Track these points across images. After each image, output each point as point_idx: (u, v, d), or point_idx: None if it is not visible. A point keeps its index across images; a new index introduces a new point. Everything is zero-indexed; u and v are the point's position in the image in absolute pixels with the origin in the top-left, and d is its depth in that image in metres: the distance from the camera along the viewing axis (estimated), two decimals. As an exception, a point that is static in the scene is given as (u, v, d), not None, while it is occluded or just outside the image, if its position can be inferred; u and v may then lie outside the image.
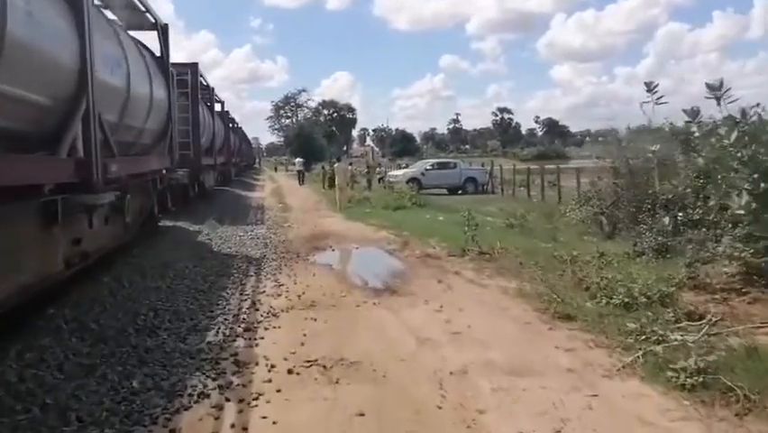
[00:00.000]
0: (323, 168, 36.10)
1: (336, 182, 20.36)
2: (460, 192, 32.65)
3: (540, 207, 21.75)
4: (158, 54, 11.82)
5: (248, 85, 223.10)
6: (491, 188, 34.00)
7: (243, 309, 7.01)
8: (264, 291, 7.89)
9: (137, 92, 8.98)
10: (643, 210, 10.76)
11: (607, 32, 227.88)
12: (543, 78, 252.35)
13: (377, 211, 18.97)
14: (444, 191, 32.69)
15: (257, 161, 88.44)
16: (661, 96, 8.99)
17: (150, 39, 11.85)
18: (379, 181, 34.38)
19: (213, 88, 23.10)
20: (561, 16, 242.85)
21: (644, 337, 5.30)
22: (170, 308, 6.82)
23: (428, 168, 33.60)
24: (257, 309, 6.97)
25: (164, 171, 11.77)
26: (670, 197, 9.98)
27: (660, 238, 9.03)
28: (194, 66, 17.15)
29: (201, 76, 19.00)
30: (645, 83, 8.98)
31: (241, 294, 7.80)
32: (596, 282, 7.19)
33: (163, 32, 11.64)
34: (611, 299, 6.64)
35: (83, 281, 7.46)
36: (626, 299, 6.51)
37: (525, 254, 9.97)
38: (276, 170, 70.82)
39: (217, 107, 28.04)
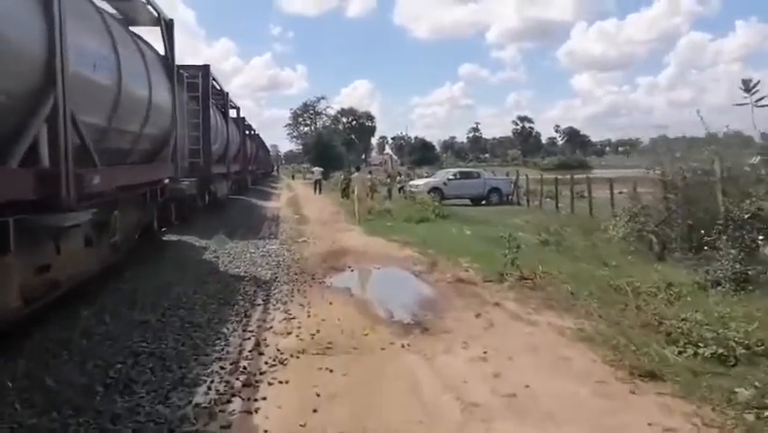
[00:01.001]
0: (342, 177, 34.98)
1: (355, 193, 19.14)
2: (483, 203, 31.33)
3: (572, 221, 20.36)
4: (162, 53, 10.68)
5: (267, 92, 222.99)
6: (516, 198, 32.61)
7: (245, 353, 5.79)
8: (272, 327, 6.65)
9: (131, 92, 7.83)
10: (711, 231, 9.37)
11: (628, 41, 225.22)
12: (563, 87, 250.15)
13: (399, 224, 17.71)
14: (467, 201, 31.44)
15: (275, 168, 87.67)
16: (761, 98, 7.59)
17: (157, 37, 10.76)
18: (400, 191, 33.19)
19: (227, 93, 22.02)
20: (581, 25, 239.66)
21: (768, 414, 4.00)
22: (156, 352, 5.60)
23: (451, 177, 32.30)
24: (261, 353, 5.75)
25: (167, 181, 10.61)
26: (746, 216, 8.57)
27: (738, 266, 7.68)
28: (205, 68, 16.05)
29: (214, 79, 17.92)
30: (743, 81, 7.58)
31: (244, 330, 6.57)
32: (675, 325, 5.88)
33: (167, 27, 10.52)
34: (698, 348, 5.33)
35: (50, 319, 6.25)
36: (720, 350, 5.21)
37: (572, 280, 8.67)
38: (293, 177, 69.88)
39: (233, 113, 27.03)
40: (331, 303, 7.89)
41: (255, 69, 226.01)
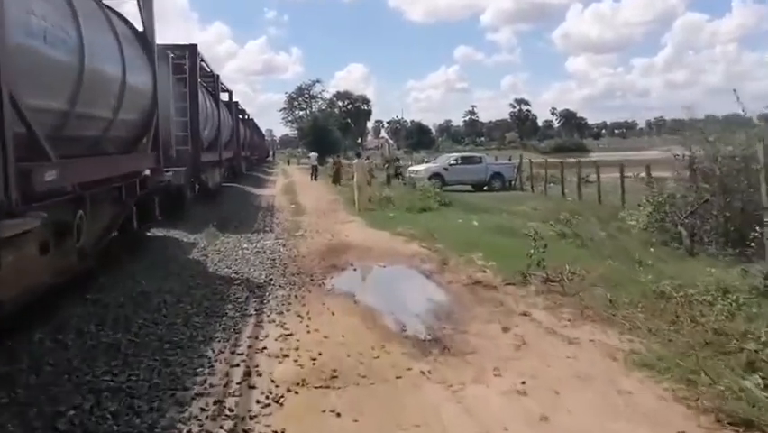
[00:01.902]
0: (333, 162, 33.93)
1: (355, 180, 18.05)
2: (485, 189, 30.35)
3: (582, 209, 19.37)
4: (140, 29, 9.56)
5: (262, 77, 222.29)
6: (520, 184, 31.58)
7: (233, 385, 4.75)
8: (265, 348, 5.62)
9: (98, 71, 6.74)
10: (752, 223, 8.38)
11: (624, 23, 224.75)
12: (558, 69, 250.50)
13: (401, 214, 16.67)
14: (469, 187, 30.43)
15: (271, 154, 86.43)
16: None
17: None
18: (398, 177, 32.14)
19: (218, 76, 20.77)
20: (577, 7, 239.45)
21: None
22: (123, 387, 4.57)
23: (452, 162, 31.26)
24: (252, 386, 4.72)
25: (148, 172, 9.53)
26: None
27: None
28: (192, 48, 14.86)
29: (203, 60, 16.74)
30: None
31: (233, 351, 5.54)
32: (748, 346, 4.88)
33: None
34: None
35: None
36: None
37: (605, 283, 7.67)
38: (288, 162, 68.69)
39: (224, 97, 25.84)
40: (333, 313, 6.87)
41: (249, 53, 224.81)
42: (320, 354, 5.41)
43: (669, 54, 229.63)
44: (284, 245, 11.60)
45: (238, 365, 5.18)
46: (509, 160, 35.52)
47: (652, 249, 11.69)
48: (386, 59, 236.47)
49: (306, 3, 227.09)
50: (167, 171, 10.69)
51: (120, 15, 8.94)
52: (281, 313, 6.87)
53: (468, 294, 7.68)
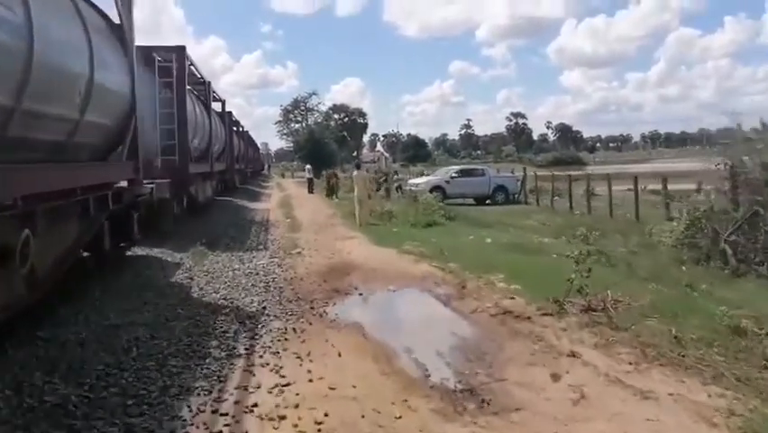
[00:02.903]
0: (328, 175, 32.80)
1: (356, 194, 16.88)
2: (488, 202, 29.18)
3: (596, 223, 18.19)
4: (116, 22, 8.41)
5: (258, 90, 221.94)
6: (524, 197, 30.43)
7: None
8: (256, 406, 4.41)
9: (55, 62, 5.59)
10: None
11: (617, 38, 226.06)
12: (553, 83, 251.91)
13: (405, 229, 15.49)
14: (470, 201, 29.28)
15: (266, 167, 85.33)
16: None
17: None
18: (398, 190, 30.99)
19: (209, 83, 19.57)
20: (571, 22, 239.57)
21: None
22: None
23: (454, 175, 30.07)
24: (238, 467, 3.53)
25: (125, 185, 8.36)
26: None
27: None
28: (180, 50, 13.70)
29: (192, 65, 15.57)
30: None
31: (214, 411, 4.34)
32: None
33: (122, -13, 8.23)
34: None
35: None
36: None
37: (656, 312, 6.53)
38: (283, 176, 67.58)
39: (217, 107, 24.67)
40: (340, 354, 5.66)
41: (245, 66, 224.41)
42: (326, 414, 4.21)
43: (662, 69, 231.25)
44: (279, 265, 10.40)
45: (221, 433, 3.98)
46: (512, 172, 34.40)
47: (684, 267, 10.60)
48: (381, 73, 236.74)
49: (301, 17, 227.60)
50: (148, 183, 9.50)
51: (92, 4, 7.78)
52: (276, 353, 5.67)
53: (497, 326, 6.51)
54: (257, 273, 9.70)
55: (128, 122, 8.22)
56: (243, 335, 6.31)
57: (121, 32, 8.30)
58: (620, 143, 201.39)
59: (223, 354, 5.65)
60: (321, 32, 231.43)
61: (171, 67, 13.30)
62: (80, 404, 4.26)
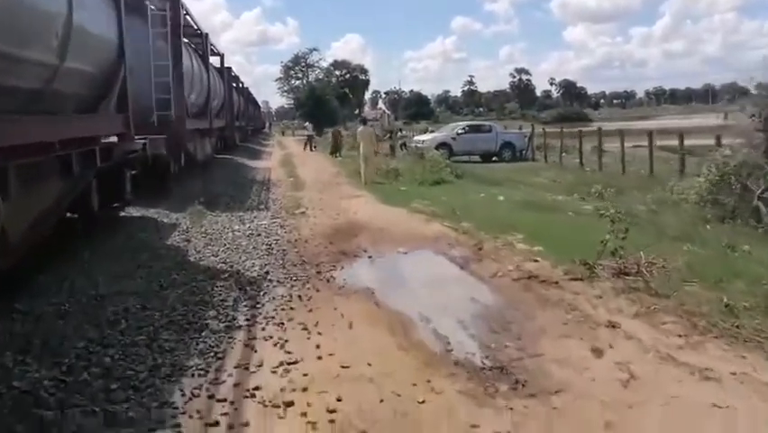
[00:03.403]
0: (332, 132, 32.04)
1: (361, 151, 16.17)
2: (494, 159, 28.47)
3: (609, 180, 17.54)
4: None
5: (258, 48, 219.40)
6: (532, 154, 29.66)
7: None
8: (257, 389, 3.84)
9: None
10: None
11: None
12: (556, 39, 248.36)
13: (413, 188, 14.89)
14: (477, 158, 28.56)
15: (267, 125, 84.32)
16: None
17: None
18: (402, 148, 30.24)
19: (207, 35, 18.62)
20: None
21: None
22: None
23: (460, 131, 29.28)
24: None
25: (114, 140, 7.71)
26: None
27: None
28: None
29: (188, 14, 14.67)
30: None
31: (210, 395, 3.78)
32: None
33: None
34: None
35: None
36: None
37: (696, 276, 5.95)
38: (283, 134, 66.64)
39: (216, 61, 23.79)
40: (351, 325, 5.10)
41: (245, 23, 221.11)
42: (339, 400, 3.65)
43: (667, 24, 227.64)
44: (282, 226, 9.81)
45: (217, 424, 3.42)
46: (520, 129, 33.56)
47: (708, 226, 10.00)
48: (383, 29, 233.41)
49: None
50: (141, 139, 8.85)
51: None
52: (281, 324, 5.11)
53: (522, 292, 5.93)
54: (258, 235, 9.12)
55: (116, 70, 7.54)
56: (244, 303, 5.75)
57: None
58: (624, 100, 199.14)
59: (221, 325, 5.08)
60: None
61: (165, 16, 12.46)
62: (54, 389, 3.70)
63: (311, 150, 33.13)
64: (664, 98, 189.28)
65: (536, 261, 6.92)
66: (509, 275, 6.49)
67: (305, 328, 4.98)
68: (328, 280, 6.59)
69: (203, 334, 4.86)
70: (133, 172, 10.02)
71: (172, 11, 12.62)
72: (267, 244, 8.41)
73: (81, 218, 7.29)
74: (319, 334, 4.86)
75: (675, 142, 26.30)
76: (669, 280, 5.89)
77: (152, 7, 12.52)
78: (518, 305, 5.56)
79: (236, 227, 9.76)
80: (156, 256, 7.45)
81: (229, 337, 4.80)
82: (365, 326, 5.11)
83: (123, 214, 9.97)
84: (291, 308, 5.56)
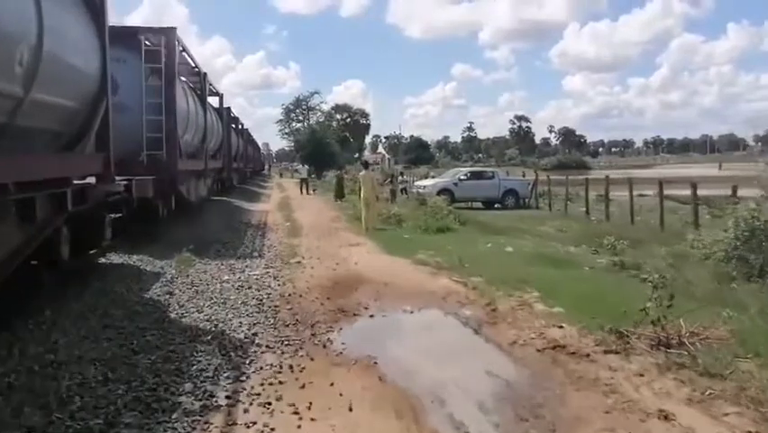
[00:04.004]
0: (336, 175, 31.40)
1: (362, 196, 15.47)
2: (497, 206, 27.82)
3: (620, 232, 16.77)
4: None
5: (260, 91, 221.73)
6: (535, 202, 29.04)
7: None
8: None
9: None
10: None
11: (620, 43, 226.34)
12: (555, 87, 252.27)
13: (417, 235, 14.14)
14: (479, 204, 27.92)
15: (267, 167, 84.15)
16: None
17: None
18: (402, 192, 29.65)
19: (205, 74, 18.08)
20: (574, 26, 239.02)
21: None
22: None
23: (462, 177, 28.70)
24: None
25: (93, 181, 6.98)
26: None
27: None
28: (170, 33, 12.23)
29: (185, 51, 14.13)
30: None
31: None
32: None
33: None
34: None
35: None
36: None
37: (746, 348, 5.17)
38: (281, 176, 66.30)
39: (214, 101, 23.33)
40: (351, 407, 4.28)
41: (248, 67, 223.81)
42: None
43: (664, 75, 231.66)
44: (276, 277, 9.02)
45: None
46: (523, 176, 33.04)
47: (734, 285, 9.23)
48: (384, 75, 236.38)
49: (304, 18, 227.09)
50: (123, 180, 8.13)
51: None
52: (267, 405, 4.29)
53: (550, 367, 5.12)
54: (249, 287, 8.32)
55: (96, 105, 6.85)
56: (226, 374, 4.93)
57: (91, 4, 6.91)
58: (623, 148, 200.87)
59: (197, 405, 4.27)
60: (324, 33, 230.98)
61: (160, 51, 11.90)
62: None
63: (307, 193, 32.51)
64: (662, 148, 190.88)
65: (561, 327, 6.12)
66: (532, 344, 5.68)
67: (295, 412, 4.16)
68: (324, 345, 5.78)
69: (173, 417, 4.04)
70: (117, 216, 9.31)
71: (167, 47, 12.06)
72: (258, 299, 7.61)
73: (48, 268, 6.49)
74: (312, 420, 4.04)
75: (680, 192, 25.97)
76: (716, 354, 5.09)
77: (147, 42, 11.97)
78: (547, 383, 4.75)
79: (226, 277, 8.97)
80: (131, 313, 6.63)
81: (204, 423, 3.97)
82: (367, 409, 4.29)
83: (101, 261, 9.19)
84: (281, 383, 4.74)
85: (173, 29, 12.33)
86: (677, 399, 4.30)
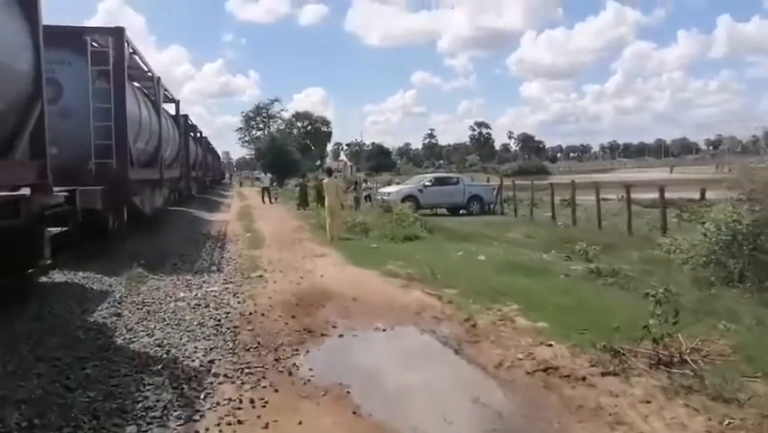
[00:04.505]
0: (298, 183, 30.66)
1: (327, 205, 14.83)
2: (462, 212, 27.47)
3: (589, 237, 16.51)
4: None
5: (219, 99, 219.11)
6: (500, 208, 28.77)
7: None
8: None
9: None
10: None
11: (576, 50, 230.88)
12: (513, 94, 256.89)
13: (384, 244, 13.58)
14: (444, 210, 27.52)
15: (228, 176, 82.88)
16: None
17: None
18: (366, 200, 29.10)
19: (159, 78, 17.13)
20: (531, 34, 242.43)
21: None
22: None
23: (427, 183, 28.24)
24: None
25: (25, 192, 6.24)
26: None
27: None
28: (117, 33, 11.36)
29: (135, 53, 13.27)
30: None
31: None
32: None
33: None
34: None
35: None
36: None
37: (753, 366, 4.74)
38: (241, 185, 65.05)
39: (171, 108, 22.43)
40: (323, 454, 3.67)
41: (207, 75, 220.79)
42: None
43: (619, 81, 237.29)
44: (236, 294, 8.33)
45: None
46: (487, 181, 32.79)
47: (713, 290, 8.93)
48: (344, 83, 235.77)
49: (263, 27, 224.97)
50: (63, 191, 7.37)
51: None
52: (224, 454, 3.65)
53: (543, 393, 4.59)
54: (207, 305, 7.63)
55: (30, 108, 6.10)
56: (177, 413, 4.27)
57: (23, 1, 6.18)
58: (580, 153, 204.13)
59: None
60: (283, 41, 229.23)
61: (107, 52, 11.10)
62: None
63: (270, 202, 31.70)
64: (619, 152, 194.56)
65: (550, 345, 5.61)
66: (520, 366, 5.15)
67: (257, 462, 3.54)
68: (290, 372, 5.16)
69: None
70: (63, 229, 8.52)
71: (116, 48, 11.26)
72: (216, 319, 6.94)
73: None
74: (278, 472, 3.42)
75: (643, 196, 26.00)
76: (722, 372, 4.64)
77: (94, 44, 11.17)
78: (543, 412, 4.22)
79: (181, 295, 8.26)
80: (71, 340, 5.88)
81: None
82: (342, 453, 3.69)
83: (42, 280, 8.38)
84: (240, 422, 4.12)
85: (121, 29, 11.53)
86: (694, 431, 3.80)
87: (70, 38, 10.76)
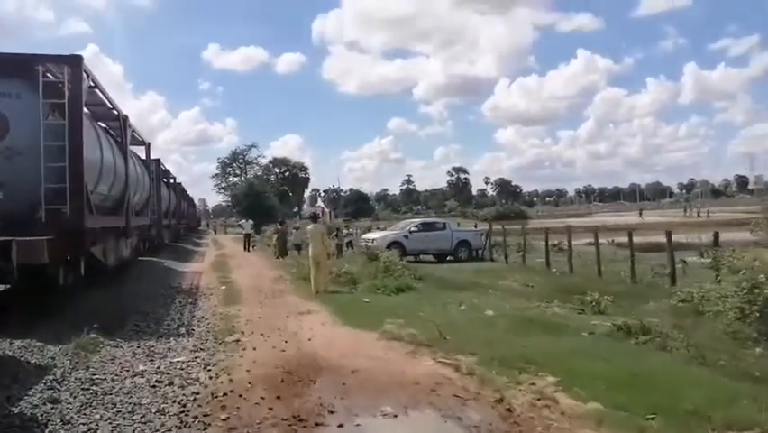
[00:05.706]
0: (276, 230, 29.23)
1: (311, 254, 13.41)
2: (449, 259, 26.24)
3: (588, 284, 15.34)
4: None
5: (196, 147, 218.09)
6: (489, 253, 27.55)
7: None
8: None
9: None
10: None
11: (549, 97, 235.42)
12: (488, 140, 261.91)
13: (375, 297, 12.20)
14: (430, 257, 26.24)
15: (204, 223, 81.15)
16: None
17: None
18: (348, 246, 27.72)
19: (126, 117, 15.74)
20: (504, 81, 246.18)
21: None
22: None
23: (413, 229, 27.02)
24: None
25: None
26: None
27: None
28: (75, 61, 9.93)
29: (97, 86, 11.85)
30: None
31: None
32: None
33: None
34: None
35: None
36: None
37: None
38: (215, 232, 63.18)
39: (140, 152, 21.00)
40: None
41: (183, 123, 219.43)
42: None
43: (591, 127, 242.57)
44: (207, 365, 6.86)
45: None
46: (475, 226, 31.67)
47: (758, 349, 7.72)
48: (321, 130, 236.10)
49: (240, 74, 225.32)
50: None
51: None
52: None
53: None
54: (171, 382, 6.17)
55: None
56: None
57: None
58: (557, 198, 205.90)
59: None
60: (261, 89, 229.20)
61: (62, 84, 9.74)
62: None
63: (249, 250, 30.20)
64: (594, 196, 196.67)
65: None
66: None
67: None
68: (279, 492, 3.72)
69: None
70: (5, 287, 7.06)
71: (72, 80, 9.89)
72: (180, 403, 5.47)
73: None
74: None
75: (634, 240, 25.00)
76: None
77: (48, 74, 9.84)
78: None
79: (141, 368, 6.78)
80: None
81: None
82: None
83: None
84: None
85: (79, 57, 10.16)
86: None
87: (19, 67, 9.44)
